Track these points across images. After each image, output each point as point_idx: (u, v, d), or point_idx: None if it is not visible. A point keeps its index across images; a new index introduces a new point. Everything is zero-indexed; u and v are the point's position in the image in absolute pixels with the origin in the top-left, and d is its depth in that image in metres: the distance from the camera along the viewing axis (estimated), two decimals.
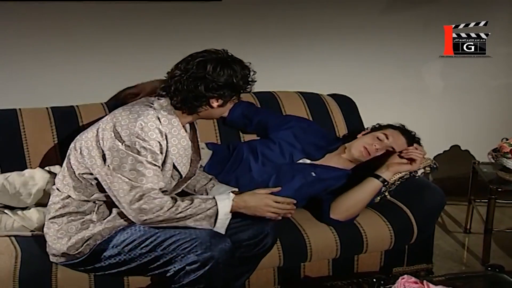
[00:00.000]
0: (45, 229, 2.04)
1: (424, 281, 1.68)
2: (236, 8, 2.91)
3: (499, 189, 2.79)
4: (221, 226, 1.96)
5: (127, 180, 1.89)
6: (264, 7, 2.97)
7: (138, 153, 1.90)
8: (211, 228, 1.95)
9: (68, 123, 2.45)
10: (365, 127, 2.73)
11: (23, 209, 2.23)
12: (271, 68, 2.96)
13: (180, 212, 1.92)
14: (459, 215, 3.28)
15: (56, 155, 2.40)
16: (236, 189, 2.18)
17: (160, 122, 1.96)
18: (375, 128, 2.59)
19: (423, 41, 3.26)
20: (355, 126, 2.77)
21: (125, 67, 2.79)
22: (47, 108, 2.49)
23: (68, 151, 2.08)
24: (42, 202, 2.21)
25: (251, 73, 2.02)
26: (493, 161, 2.93)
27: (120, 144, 1.90)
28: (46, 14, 2.64)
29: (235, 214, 2.02)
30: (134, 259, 1.95)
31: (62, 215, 2.02)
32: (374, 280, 1.78)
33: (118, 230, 1.98)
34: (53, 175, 2.22)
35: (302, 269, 2.30)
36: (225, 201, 1.98)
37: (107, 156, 1.92)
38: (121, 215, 1.99)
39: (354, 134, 2.60)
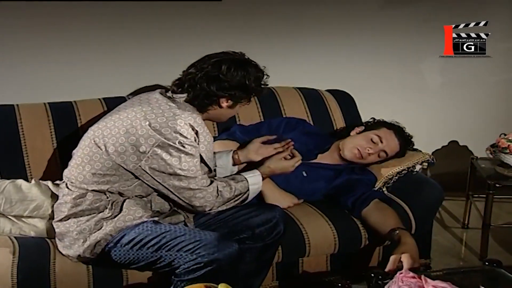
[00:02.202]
0: (57, 231, 2.04)
1: (422, 276, 1.68)
2: (236, 8, 2.91)
3: (497, 185, 2.80)
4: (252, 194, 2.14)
5: (175, 176, 1.96)
6: (264, 6, 2.97)
7: (184, 150, 1.95)
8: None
9: (66, 119, 2.45)
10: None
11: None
12: (270, 64, 2.93)
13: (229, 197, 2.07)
14: (457, 211, 3.29)
15: (53, 151, 2.39)
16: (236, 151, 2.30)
17: (194, 119, 2.01)
18: (369, 125, 2.59)
19: (422, 37, 3.26)
20: (353, 122, 2.77)
21: (124, 64, 2.79)
22: (44, 103, 2.48)
23: (85, 147, 2.04)
24: (37, 216, 2.18)
25: (265, 77, 2.08)
26: (491, 156, 2.94)
27: (165, 140, 1.94)
28: (44, 9, 2.63)
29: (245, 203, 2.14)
30: (141, 259, 1.97)
31: (74, 215, 2.02)
32: (372, 275, 1.78)
33: (126, 230, 1.99)
34: (50, 191, 2.19)
35: (301, 264, 2.31)
36: (255, 177, 2.14)
37: (150, 154, 1.95)
38: (131, 212, 2.01)
39: (349, 130, 2.61)
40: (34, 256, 2.02)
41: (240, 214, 2.12)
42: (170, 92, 2.09)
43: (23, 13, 2.61)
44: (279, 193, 2.34)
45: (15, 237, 2.10)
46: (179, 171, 1.97)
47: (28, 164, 2.36)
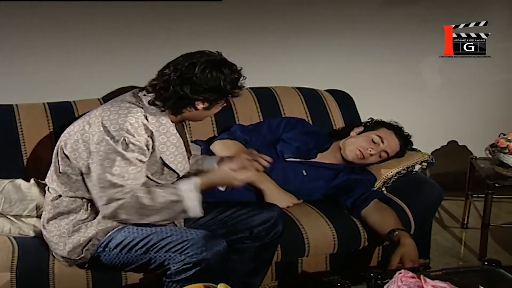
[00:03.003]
0: (44, 233, 2.04)
1: (421, 276, 1.68)
2: (236, 8, 2.91)
3: (496, 184, 2.80)
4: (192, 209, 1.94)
5: (108, 175, 1.88)
6: (264, 6, 2.97)
7: (126, 148, 1.89)
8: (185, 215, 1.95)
9: (64, 119, 2.43)
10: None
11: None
12: (269, 63, 2.96)
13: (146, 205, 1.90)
14: (457, 210, 3.29)
15: (52, 151, 2.38)
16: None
17: (147, 120, 1.94)
18: (368, 126, 2.59)
19: (421, 37, 3.26)
20: (353, 122, 2.77)
21: (123, 64, 2.78)
22: (43, 103, 2.48)
23: (56, 148, 2.06)
24: (36, 216, 2.18)
25: (241, 78, 1.98)
26: (490, 156, 2.94)
27: (108, 138, 1.89)
28: (43, 9, 2.63)
29: (244, 203, 2.12)
30: (132, 262, 1.96)
31: (54, 217, 2.01)
32: (372, 275, 1.78)
33: (112, 233, 1.97)
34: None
35: (300, 264, 2.31)
36: (189, 184, 1.95)
37: (92, 150, 1.91)
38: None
39: (348, 130, 2.61)
40: (33, 257, 2.02)
41: (239, 214, 2.11)
42: (144, 91, 2.03)
43: (23, 13, 2.60)
44: (278, 192, 2.34)
45: (14, 237, 2.10)
46: (108, 176, 1.87)
47: (27, 164, 2.36)
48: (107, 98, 2.55)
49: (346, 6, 3.11)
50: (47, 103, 2.49)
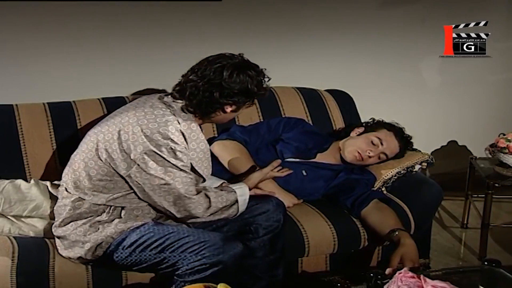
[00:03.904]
0: (55, 234, 2.04)
1: (421, 276, 1.68)
2: (236, 8, 2.91)
3: (496, 184, 2.80)
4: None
5: (163, 184, 1.94)
6: (263, 6, 2.97)
7: (175, 156, 1.94)
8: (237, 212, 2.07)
9: (64, 119, 2.44)
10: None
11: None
12: (269, 63, 2.93)
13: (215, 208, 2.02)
14: (456, 210, 3.29)
15: (53, 151, 2.39)
16: (225, 181, 2.23)
17: (187, 126, 2.00)
18: (368, 126, 2.59)
19: (421, 37, 3.26)
20: (353, 122, 2.77)
21: (123, 64, 2.78)
22: (43, 103, 2.48)
23: (81, 152, 2.04)
24: (36, 216, 2.18)
25: (266, 79, 2.06)
26: (490, 156, 2.94)
27: (154, 148, 1.92)
28: (43, 9, 2.63)
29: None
30: (145, 260, 1.96)
31: (73, 218, 2.01)
32: (371, 274, 1.78)
33: (128, 232, 1.98)
34: (49, 191, 2.19)
35: (300, 264, 2.31)
36: (242, 189, 2.10)
37: (139, 161, 1.93)
38: (132, 215, 2.01)
39: (348, 130, 2.61)
40: (34, 257, 2.01)
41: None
42: (170, 97, 2.08)
43: (23, 13, 2.60)
44: (279, 192, 2.34)
45: (14, 237, 2.10)
46: (167, 179, 1.94)
47: (27, 164, 2.36)
48: (107, 98, 2.55)
49: (346, 6, 3.11)
50: (47, 103, 2.48)
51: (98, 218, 2.00)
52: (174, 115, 2.00)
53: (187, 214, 2.00)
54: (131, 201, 2.02)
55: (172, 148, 1.94)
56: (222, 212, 2.04)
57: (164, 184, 1.95)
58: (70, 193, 2.04)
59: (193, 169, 2.02)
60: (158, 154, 1.93)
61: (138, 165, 1.94)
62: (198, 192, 2.00)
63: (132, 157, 1.94)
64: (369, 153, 2.46)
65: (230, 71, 1.99)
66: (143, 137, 1.94)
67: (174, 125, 1.97)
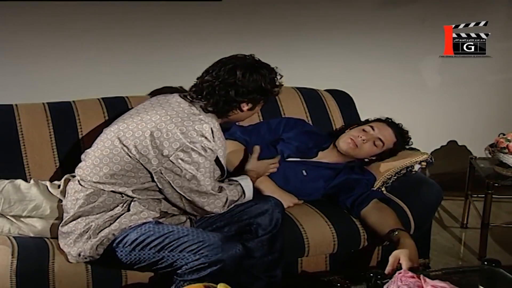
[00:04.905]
0: (63, 230, 2.04)
1: (421, 276, 1.68)
2: (236, 8, 2.91)
3: (496, 184, 2.80)
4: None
5: (193, 180, 2.00)
6: (263, 6, 2.98)
7: (206, 153, 2.01)
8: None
9: (64, 119, 2.44)
10: None
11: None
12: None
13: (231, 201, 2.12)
14: (456, 210, 3.29)
15: (52, 151, 2.39)
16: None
17: (213, 125, 2.07)
18: (362, 123, 2.60)
19: (421, 37, 3.26)
20: (352, 122, 2.77)
21: (123, 64, 2.78)
22: (43, 103, 2.48)
23: (105, 148, 2.06)
24: (35, 216, 2.18)
25: (278, 76, 2.15)
26: (490, 156, 2.94)
27: (190, 144, 1.98)
28: (43, 9, 2.63)
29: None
30: (144, 259, 1.97)
31: (84, 213, 2.02)
32: (371, 274, 1.78)
33: (129, 230, 1.99)
34: (49, 191, 2.19)
35: (300, 264, 2.31)
36: (245, 180, 2.19)
37: (172, 158, 1.98)
38: (137, 213, 2.02)
39: (346, 129, 2.62)
40: (33, 256, 2.01)
41: (236, 206, 2.14)
42: (189, 97, 2.14)
43: (23, 13, 2.60)
44: (278, 193, 2.34)
45: (14, 237, 2.10)
46: (198, 175, 2.01)
47: (27, 164, 2.36)
48: (107, 98, 2.55)
49: (346, 6, 3.11)
50: (47, 103, 2.48)
51: (110, 213, 2.02)
52: (202, 114, 2.08)
53: (208, 210, 2.08)
54: (147, 194, 2.06)
55: (203, 146, 2.01)
56: (232, 204, 2.13)
57: (194, 180, 2.01)
58: (84, 187, 2.06)
59: (220, 164, 2.10)
60: (194, 150, 1.99)
61: (172, 161, 1.99)
62: (221, 189, 2.10)
63: (164, 154, 1.99)
64: (361, 137, 2.46)
65: (243, 71, 2.08)
66: (178, 134, 1.99)
67: (207, 123, 2.04)
